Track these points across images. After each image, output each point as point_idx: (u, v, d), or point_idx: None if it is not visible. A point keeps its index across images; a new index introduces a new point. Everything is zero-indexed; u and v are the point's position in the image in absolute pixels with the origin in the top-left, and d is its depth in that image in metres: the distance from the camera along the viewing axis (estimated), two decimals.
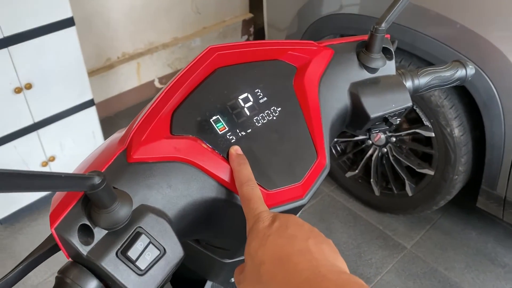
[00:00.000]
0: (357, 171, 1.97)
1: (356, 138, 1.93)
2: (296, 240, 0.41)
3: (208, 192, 0.48)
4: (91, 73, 2.33)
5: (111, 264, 0.40)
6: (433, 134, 1.63)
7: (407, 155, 1.81)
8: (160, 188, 0.46)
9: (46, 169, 1.86)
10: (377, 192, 1.93)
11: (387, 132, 1.80)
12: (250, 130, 0.53)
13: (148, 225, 0.43)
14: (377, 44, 0.59)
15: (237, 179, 0.48)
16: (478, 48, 1.41)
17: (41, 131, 1.77)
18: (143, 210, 0.43)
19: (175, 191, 0.46)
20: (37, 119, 1.73)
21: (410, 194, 1.81)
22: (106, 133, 2.04)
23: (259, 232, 0.43)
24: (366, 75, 0.61)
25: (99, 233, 0.41)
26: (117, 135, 0.51)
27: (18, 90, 1.61)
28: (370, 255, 1.83)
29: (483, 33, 1.39)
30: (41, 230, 1.90)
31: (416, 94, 0.67)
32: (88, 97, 1.85)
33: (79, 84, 1.80)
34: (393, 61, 0.63)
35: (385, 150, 1.85)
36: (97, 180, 0.37)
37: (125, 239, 0.42)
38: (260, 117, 0.54)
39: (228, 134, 0.52)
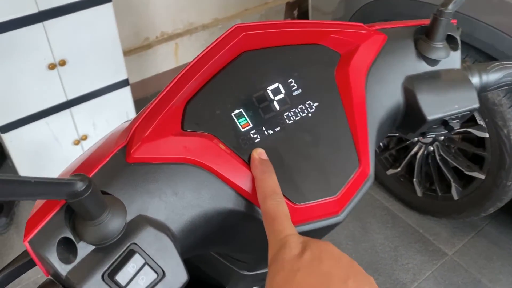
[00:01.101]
0: (399, 169, 1.84)
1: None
2: (332, 280, 0.32)
3: (222, 203, 0.40)
4: (128, 52, 2.29)
5: None
6: (487, 135, 1.48)
7: (456, 156, 1.66)
8: (164, 195, 0.38)
9: (78, 148, 1.84)
10: (419, 193, 1.80)
11: None
12: (278, 129, 0.44)
13: (145, 242, 0.35)
14: (441, 30, 0.49)
15: (260, 190, 0.39)
16: None
17: (74, 109, 1.74)
18: (140, 222, 0.36)
19: (182, 200, 0.38)
20: (70, 96, 1.70)
21: (455, 197, 1.67)
22: None
23: (285, 264, 0.34)
24: (424, 67, 0.51)
25: (83, 249, 0.34)
26: (121, 127, 0.43)
27: (52, 67, 1.58)
28: (407, 259, 1.71)
29: None
30: None
31: (484, 93, 0.56)
32: (122, 76, 1.80)
33: (114, 63, 1.75)
34: (459, 52, 0.52)
35: (432, 148, 1.71)
36: (79, 186, 0.30)
37: (115, 258, 0.34)
38: (292, 113, 0.45)
39: (252, 132, 0.43)
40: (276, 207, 0.37)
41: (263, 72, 0.45)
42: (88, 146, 1.87)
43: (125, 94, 1.86)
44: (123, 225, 0.34)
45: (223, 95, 0.43)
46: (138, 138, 0.38)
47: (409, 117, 0.50)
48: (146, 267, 0.34)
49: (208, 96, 0.42)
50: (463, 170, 1.62)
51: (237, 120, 0.43)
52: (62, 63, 1.60)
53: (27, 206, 1.90)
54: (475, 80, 0.54)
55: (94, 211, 0.32)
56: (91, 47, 1.65)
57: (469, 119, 1.55)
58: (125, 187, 0.36)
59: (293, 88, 0.46)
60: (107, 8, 1.61)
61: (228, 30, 0.44)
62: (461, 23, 1.38)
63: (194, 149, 0.39)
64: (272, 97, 0.45)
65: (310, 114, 0.45)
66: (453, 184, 1.67)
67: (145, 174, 0.37)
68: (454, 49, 0.51)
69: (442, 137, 1.65)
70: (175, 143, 0.39)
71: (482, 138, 1.51)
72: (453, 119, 0.51)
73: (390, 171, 1.87)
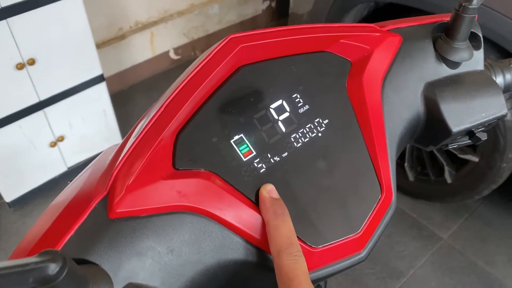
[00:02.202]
0: None
1: None
2: None
3: (228, 254, 0.33)
4: (102, 44, 2.17)
5: None
6: None
7: None
8: (157, 255, 0.31)
9: (55, 150, 1.74)
10: (411, 178, 1.76)
11: None
12: (286, 154, 0.38)
13: None
14: (464, 28, 0.42)
15: (273, 240, 0.33)
16: None
17: (48, 109, 1.64)
18: None
19: (179, 258, 0.32)
20: (43, 97, 1.59)
21: (449, 181, 1.64)
22: (118, 110, 1.91)
23: None
24: (445, 71, 0.44)
25: None
26: (105, 158, 0.36)
27: (20, 67, 1.47)
28: (402, 246, 1.69)
29: None
30: None
31: (507, 92, 0.50)
32: (97, 72, 1.70)
33: (87, 58, 1.65)
34: (481, 52, 0.46)
35: None
36: (52, 269, 0.23)
37: None
38: (300, 134, 0.38)
39: (255, 161, 0.36)
40: (293, 265, 0.31)
41: (264, 88, 0.38)
42: (65, 147, 1.78)
43: (101, 90, 1.76)
44: None
45: (220, 120, 0.36)
46: (120, 186, 0.31)
47: (430, 129, 0.44)
48: None
49: (202, 123, 0.36)
50: (456, 153, 1.58)
51: (238, 148, 0.36)
52: (31, 62, 1.49)
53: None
54: (499, 80, 0.48)
55: None
56: (62, 43, 1.55)
57: None
58: (109, 252, 0.29)
59: (299, 105, 0.39)
60: (75, 0, 1.50)
61: (222, 42, 0.37)
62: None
63: (189, 193, 0.33)
64: (276, 117, 0.38)
65: (320, 134, 0.39)
66: (446, 168, 1.63)
67: (132, 232, 0.30)
68: (477, 48, 0.45)
69: None
70: (166, 188, 0.32)
71: None
72: (479, 129, 0.45)
73: None
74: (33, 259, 0.23)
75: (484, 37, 0.45)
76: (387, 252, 1.67)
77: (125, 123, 2.06)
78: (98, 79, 1.72)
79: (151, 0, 2.28)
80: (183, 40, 2.53)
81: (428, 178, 1.73)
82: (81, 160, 1.86)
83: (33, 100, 1.58)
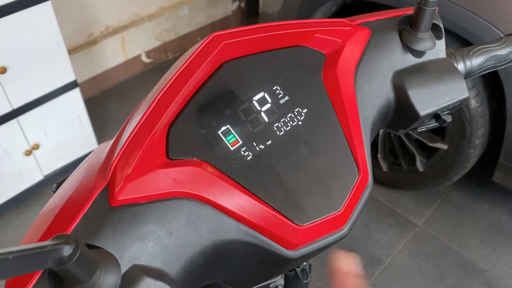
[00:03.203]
0: None
1: None
2: None
3: (222, 234, 0.36)
4: (73, 50, 2.16)
5: None
6: None
7: None
8: (158, 238, 0.33)
9: (30, 159, 1.72)
10: (384, 168, 1.82)
11: None
12: (270, 142, 0.40)
13: None
14: (426, 20, 0.46)
15: None
16: (499, 9, 1.27)
17: (22, 118, 1.62)
18: (135, 274, 0.31)
19: (178, 240, 0.34)
20: (16, 105, 1.58)
21: (420, 169, 1.71)
22: (93, 115, 1.90)
23: None
24: (411, 60, 0.48)
25: None
26: (99, 154, 0.38)
27: None
28: (380, 234, 1.74)
29: None
30: (28, 223, 1.78)
31: (469, 78, 0.54)
32: (70, 78, 1.69)
33: (60, 65, 1.64)
34: (443, 41, 0.50)
35: None
36: (66, 251, 0.25)
37: None
38: (282, 123, 0.41)
39: (242, 149, 0.39)
40: None
41: (246, 82, 0.41)
42: (41, 155, 1.76)
43: (75, 96, 1.75)
44: (118, 282, 0.30)
45: (207, 113, 0.39)
46: (120, 176, 0.33)
47: (400, 114, 0.48)
48: None
49: (190, 117, 0.38)
50: (426, 142, 1.65)
51: (225, 138, 0.39)
52: (3, 70, 1.48)
53: None
54: (460, 67, 0.52)
55: (84, 274, 0.28)
56: (33, 50, 1.54)
57: None
58: (114, 236, 0.32)
59: (280, 96, 0.42)
60: (45, 6, 1.49)
61: (205, 40, 0.39)
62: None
63: (184, 180, 0.35)
64: (258, 108, 0.41)
65: (300, 123, 0.42)
66: (417, 157, 1.70)
67: (133, 218, 0.33)
68: (439, 37, 0.49)
69: None
70: (163, 176, 0.34)
71: None
72: (444, 112, 0.49)
73: None
74: (49, 242, 0.25)
75: (446, 29, 0.49)
76: (365, 241, 1.72)
77: (100, 128, 2.05)
78: (72, 85, 1.71)
79: (120, 4, 2.28)
80: (155, 43, 2.54)
81: (401, 168, 1.79)
82: (58, 168, 1.84)
83: (6, 109, 1.56)
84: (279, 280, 0.66)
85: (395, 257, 1.67)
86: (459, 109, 1.46)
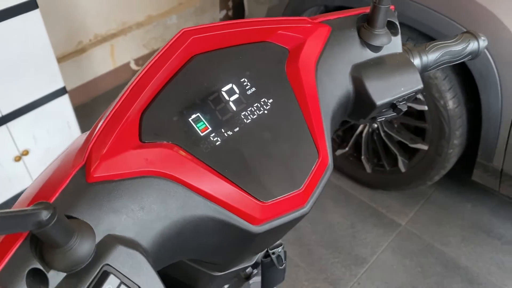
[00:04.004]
0: (347, 148, 1.90)
1: None
2: None
3: (191, 211, 0.40)
4: (62, 58, 2.19)
5: None
6: (426, 107, 1.56)
7: (399, 130, 1.74)
8: (130, 211, 0.37)
9: (20, 165, 1.75)
10: (368, 169, 1.87)
11: None
12: (237, 129, 0.44)
13: (118, 261, 0.34)
14: (381, 17, 0.50)
15: None
16: (471, 13, 1.32)
17: (11, 124, 1.65)
18: (109, 243, 0.35)
19: (149, 214, 0.38)
20: (5, 111, 1.60)
21: (403, 170, 1.75)
22: (82, 122, 1.93)
23: None
24: (369, 54, 0.52)
25: (54, 278, 0.33)
26: (78, 142, 0.42)
27: None
28: (364, 234, 1.78)
29: None
30: None
31: (425, 73, 0.59)
32: (59, 85, 1.72)
33: (49, 72, 1.67)
34: (399, 37, 0.54)
35: (376, 125, 1.78)
36: (44, 215, 0.28)
37: (89, 282, 0.33)
38: (249, 112, 0.45)
39: (211, 135, 0.43)
40: None
41: (216, 74, 0.45)
42: (30, 161, 1.78)
43: (64, 102, 1.78)
44: (93, 248, 0.33)
45: (178, 101, 0.42)
46: (96, 156, 0.37)
47: (359, 104, 0.52)
48: (122, 286, 0.34)
49: (163, 104, 0.42)
50: (407, 143, 1.70)
51: (195, 125, 0.43)
52: None
53: None
54: (417, 61, 0.57)
55: (61, 238, 0.31)
56: (22, 57, 1.57)
57: None
58: (90, 209, 0.35)
59: (247, 87, 0.46)
60: (34, 15, 1.53)
61: (176, 35, 0.43)
62: (401, 7, 1.43)
63: (155, 160, 0.39)
64: (227, 98, 0.45)
65: (266, 112, 0.46)
66: (399, 158, 1.74)
67: (108, 193, 0.36)
68: (395, 34, 0.53)
69: None
70: (135, 157, 0.38)
71: (422, 111, 1.59)
72: (400, 102, 0.53)
73: (339, 151, 1.93)
74: (30, 207, 0.28)
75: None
76: (350, 240, 1.76)
77: None
78: (61, 92, 1.74)
79: (109, 12, 2.32)
80: (143, 51, 2.57)
81: (384, 169, 1.83)
82: None
83: None
84: (257, 273, 0.69)
85: (379, 255, 1.71)
86: (437, 111, 1.51)
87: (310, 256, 1.70)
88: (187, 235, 0.40)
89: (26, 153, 1.75)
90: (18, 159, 1.74)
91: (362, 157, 1.86)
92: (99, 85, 2.43)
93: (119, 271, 0.34)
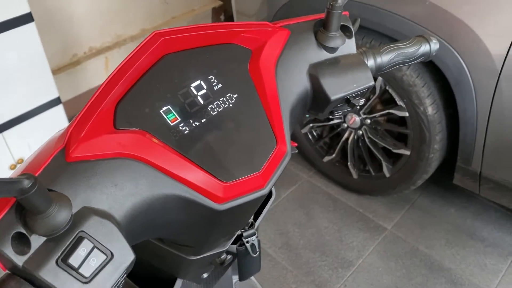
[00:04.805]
0: (334, 155, 1.95)
1: (331, 122, 1.91)
2: None
3: (159, 189, 0.45)
4: (58, 70, 2.25)
5: (50, 274, 0.37)
6: (407, 114, 1.62)
7: (383, 136, 1.80)
8: (104, 187, 0.42)
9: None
10: (355, 175, 1.92)
11: (360, 114, 1.79)
12: (204, 120, 0.50)
13: (92, 229, 0.39)
14: (334, 22, 0.56)
15: None
16: (447, 24, 1.39)
17: (6, 133, 1.70)
18: (85, 213, 0.40)
19: (122, 190, 0.43)
20: (1, 121, 1.66)
21: (387, 175, 1.81)
22: None
23: None
24: (325, 55, 0.58)
25: (36, 241, 0.38)
26: (57, 134, 0.47)
27: None
28: (351, 238, 1.83)
29: (451, 9, 1.37)
30: None
31: (380, 73, 0.65)
32: (53, 95, 1.78)
33: (43, 82, 1.73)
34: (353, 39, 0.60)
35: (361, 132, 1.84)
36: (26, 183, 0.34)
37: (66, 245, 0.38)
38: (215, 105, 0.51)
39: (180, 125, 0.48)
40: None
41: (185, 71, 0.51)
42: None
43: (58, 112, 1.84)
44: (70, 216, 0.39)
45: (150, 95, 0.48)
46: (74, 139, 0.42)
47: (316, 99, 0.58)
48: (95, 250, 0.39)
49: (136, 97, 0.47)
50: (390, 149, 1.75)
51: (166, 116, 0.48)
52: None
53: None
54: (370, 62, 0.63)
55: (41, 205, 0.36)
56: (18, 69, 1.63)
57: (389, 101, 1.69)
58: (68, 184, 0.41)
59: (214, 84, 0.52)
60: (30, 28, 1.59)
61: (148, 37, 0.49)
62: (374, 14, 1.50)
63: (128, 144, 0.44)
64: (195, 93, 0.50)
65: (231, 105, 0.52)
66: (383, 163, 1.80)
67: (84, 171, 0.42)
68: (349, 37, 0.59)
69: (369, 121, 1.78)
70: (109, 140, 0.43)
71: (404, 117, 1.65)
72: (354, 97, 0.59)
73: (326, 158, 1.98)
74: (14, 177, 0.34)
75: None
76: (337, 244, 1.80)
77: None
78: (55, 102, 1.80)
79: (103, 26, 2.39)
80: None
81: (369, 174, 1.89)
82: None
83: None
84: (230, 258, 0.74)
85: (365, 258, 1.75)
86: (417, 117, 1.58)
87: (298, 260, 1.74)
88: (156, 211, 0.46)
89: (21, 161, 1.80)
90: (13, 167, 1.79)
91: (349, 163, 1.91)
92: None
93: (93, 237, 0.39)
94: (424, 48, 0.66)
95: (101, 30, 2.40)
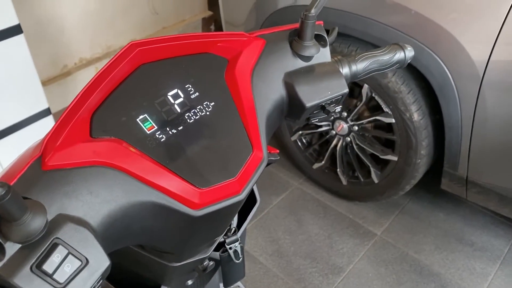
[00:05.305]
0: (323, 162, 1.97)
1: (320, 130, 1.93)
2: None
3: (135, 196, 0.46)
4: (48, 81, 2.26)
5: (25, 280, 0.38)
6: (393, 120, 1.64)
7: (371, 143, 1.81)
8: (80, 195, 0.43)
9: None
10: (344, 182, 1.94)
11: (348, 121, 1.81)
12: (181, 128, 0.51)
13: (66, 235, 0.40)
14: (308, 31, 0.58)
15: None
16: (431, 32, 1.42)
17: None
18: (60, 220, 0.41)
19: (97, 197, 0.44)
20: None
21: (376, 181, 1.82)
22: None
23: None
24: (300, 63, 0.60)
25: (11, 248, 0.39)
26: (35, 144, 0.48)
27: None
28: (341, 244, 1.84)
29: (435, 18, 1.40)
30: None
31: (356, 80, 0.66)
32: (43, 106, 1.79)
33: (33, 94, 1.74)
34: (328, 48, 0.62)
35: (349, 139, 1.86)
36: (0, 191, 0.35)
37: (40, 252, 0.39)
38: (192, 113, 0.52)
39: (157, 133, 0.49)
40: None
41: (162, 80, 0.52)
42: None
43: (48, 123, 1.84)
44: (45, 223, 0.40)
45: (127, 104, 0.49)
46: (50, 148, 0.43)
47: (292, 106, 0.59)
48: (70, 256, 0.40)
49: (112, 106, 0.48)
50: (378, 155, 1.77)
51: (142, 124, 0.49)
52: None
53: None
54: (345, 70, 0.64)
55: (16, 213, 0.37)
56: (7, 80, 1.63)
57: (376, 108, 1.71)
58: (43, 192, 0.41)
59: (191, 92, 0.53)
60: (19, 39, 1.60)
61: (124, 47, 0.50)
62: (358, 23, 1.53)
63: (103, 152, 0.45)
64: (172, 101, 0.52)
65: (208, 113, 0.53)
66: (372, 169, 1.82)
67: (60, 179, 0.43)
68: (324, 45, 0.61)
69: (356, 128, 1.80)
70: (84, 149, 0.45)
71: (390, 124, 1.67)
72: (329, 104, 0.60)
73: (316, 165, 2.00)
74: None
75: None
76: (327, 251, 1.81)
77: None
78: (45, 113, 1.81)
79: (94, 37, 2.41)
80: None
81: (359, 181, 1.90)
82: None
83: None
84: (213, 264, 0.75)
85: (356, 264, 1.76)
86: (404, 123, 1.60)
87: (289, 267, 1.75)
88: (133, 218, 0.47)
89: None
90: None
91: (338, 169, 1.93)
92: None
93: (67, 244, 0.40)
94: (399, 55, 0.67)
95: (92, 41, 2.41)
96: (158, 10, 2.66)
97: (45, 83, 2.21)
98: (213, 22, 3.02)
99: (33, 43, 1.70)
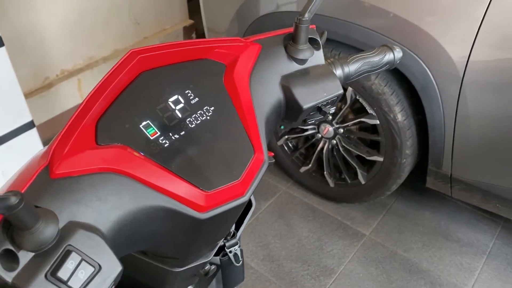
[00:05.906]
0: (310, 165, 1.99)
1: (305, 133, 1.95)
2: None
3: (143, 201, 0.47)
4: (30, 94, 2.23)
5: None
6: (378, 121, 1.67)
7: (356, 145, 1.84)
8: (89, 201, 0.43)
9: None
10: (331, 184, 1.96)
11: (333, 124, 1.83)
12: (183, 133, 0.52)
13: (78, 242, 0.41)
14: (302, 35, 0.59)
15: None
16: (411, 34, 1.45)
17: None
18: (71, 227, 0.41)
19: (106, 204, 0.44)
20: None
21: (363, 182, 1.85)
22: None
23: None
24: (295, 67, 0.61)
25: (24, 257, 0.39)
26: (40, 152, 0.49)
27: None
28: (331, 246, 1.86)
29: (414, 20, 1.43)
30: None
31: (349, 81, 0.68)
32: (26, 119, 1.77)
33: (16, 107, 1.72)
34: (321, 51, 0.63)
35: (335, 141, 1.88)
36: (13, 200, 0.35)
37: (54, 259, 0.39)
38: (193, 118, 0.53)
39: (160, 138, 0.50)
40: None
41: (163, 87, 0.53)
42: None
43: (32, 136, 1.82)
44: (57, 231, 0.40)
45: (130, 111, 0.50)
46: (58, 156, 0.44)
47: (289, 108, 0.60)
48: (83, 262, 0.40)
49: (116, 113, 0.49)
50: (364, 156, 1.80)
51: (146, 130, 0.50)
52: None
53: None
54: (339, 71, 0.66)
55: (29, 221, 0.37)
56: None
57: (360, 110, 1.74)
58: (53, 200, 0.42)
59: (191, 98, 0.54)
60: (0, 52, 1.58)
61: (125, 55, 0.51)
62: (342, 28, 1.56)
63: (110, 158, 0.46)
64: (173, 107, 0.52)
65: (208, 117, 0.54)
66: (358, 171, 1.84)
67: (69, 186, 0.43)
68: (317, 48, 0.63)
69: (342, 130, 1.82)
70: (91, 156, 0.45)
71: (375, 125, 1.70)
72: (325, 105, 0.62)
73: (303, 169, 2.02)
74: (1, 194, 0.35)
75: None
76: (318, 253, 1.83)
77: None
78: (28, 126, 1.78)
79: (75, 48, 2.39)
80: None
81: (346, 182, 1.93)
82: None
83: None
84: (214, 268, 0.76)
85: (346, 265, 1.78)
86: (388, 124, 1.63)
87: (281, 271, 1.76)
88: (141, 222, 0.47)
89: None
90: None
91: (325, 172, 1.95)
92: (67, 119, 2.45)
93: (80, 250, 0.40)
94: (389, 56, 0.70)
95: (73, 52, 2.39)
96: (139, 20, 2.66)
97: (27, 95, 2.18)
98: (194, 30, 3.02)
99: (14, 55, 1.68)
